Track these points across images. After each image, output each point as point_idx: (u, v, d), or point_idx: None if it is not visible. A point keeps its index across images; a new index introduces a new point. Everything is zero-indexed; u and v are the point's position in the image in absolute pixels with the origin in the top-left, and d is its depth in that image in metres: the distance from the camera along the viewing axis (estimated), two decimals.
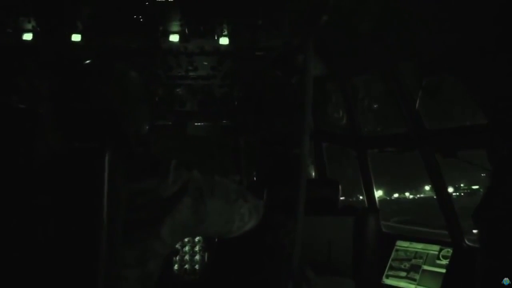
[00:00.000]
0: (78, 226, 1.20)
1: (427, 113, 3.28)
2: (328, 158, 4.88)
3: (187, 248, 3.92)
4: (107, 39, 3.60)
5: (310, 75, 1.50)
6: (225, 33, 3.53)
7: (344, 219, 3.51)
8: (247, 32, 3.52)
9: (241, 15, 3.32)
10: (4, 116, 1.58)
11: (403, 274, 3.39)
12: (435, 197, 3.38)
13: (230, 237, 1.60)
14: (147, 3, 3.17)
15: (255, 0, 3.12)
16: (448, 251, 3.20)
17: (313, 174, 4.97)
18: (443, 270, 3.14)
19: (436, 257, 3.25)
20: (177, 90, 4.74)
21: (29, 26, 3.37)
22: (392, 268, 3.50)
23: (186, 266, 3.88)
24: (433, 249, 3.31)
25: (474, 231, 2.62)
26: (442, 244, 3.28)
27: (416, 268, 3.33)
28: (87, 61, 1.46)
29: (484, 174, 2.39)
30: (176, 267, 3.87)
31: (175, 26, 3.47)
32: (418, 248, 3.42)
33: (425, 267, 3.28)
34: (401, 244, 3.57)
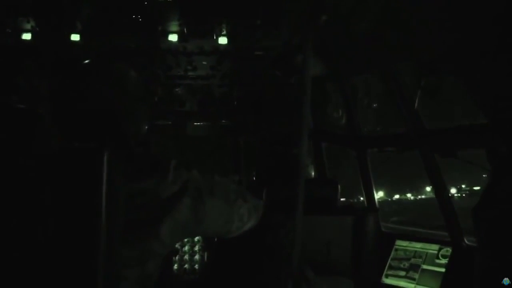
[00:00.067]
0: (77, 226, 1.20)
1: (427, 113, 3.28)
2: (328, 158, 4.88)
3: (186, 248, 3.92)
4: (106, 39, 3.60)
5: (309, 74, 1.50)
6: (224, 32, 3.52)
7: (344, 219, 3.51)
8: (246, 32, 3.52)
9: (240, 15, 3.32)
10: (3, 116, 1.58)
11: (403, 273, 3.39)
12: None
13: (229, 237, 1.60)
14: (146, 3, 3.16)
15: (254, 0, 3.12)
16: (447, 250, 3.20)
17: (313, 174, 4.97)
18: (443, 270, 3.14)
19: (435, 256, 3.25)
20: (176, 90, 4.74)
21: (28, 26, 3.37)
22: (391, 267, 3.50)
23: (186, 265, 3.88)
24: (433, 248, 3.31)
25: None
26: (442, 243, 3.28)
27: (415, 268, 3.33)
28: (86, 61, 1.46)
29: (486, 175, 2.39)
30: (175, 266, 3.87)
31: (174, 26, 3.47)
32: (418, 248, 3.42)
33: (425, 267, 3.28)
34: (401, 243, 3.57)
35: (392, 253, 3.56)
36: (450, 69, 2.87)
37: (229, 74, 4.39)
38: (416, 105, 3.21)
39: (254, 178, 5.13)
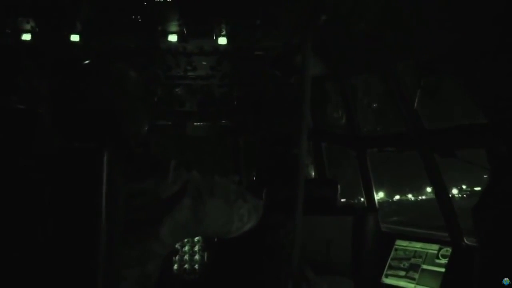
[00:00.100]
0: (77, 226, 1.20)
1: (426, 113, 3.28)
2: (328, 158, 4.88)
3: (186, 248, 3.92)
4: (105, 40, 3.60)
5: (309, 75, 1.50)
6: (224, 33, 3.53)
7: (343, 219, 3.51)
8: (245, 32, 3.52)
9: (239, 15, 3.32)
10: (3, 116, 1.58)
11: (403, 273, 3.39)
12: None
13: (229, 237, 1.60)
14: (145, 3, 3.16)
15: (254, 0, 3.12)
16: (447, 250, 3.20)
17: (313, 174, 4.98)
18: (443, 269, 3.14)
19: (435, 256, 3.25)
20: (176, 90, 4.74)
21: (28, 27, 3.37)
22: (391, 267, 3.50)
23: (186, 265, 3.88)
24: (433, 248, 3.31)
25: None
26: (442, 243, 3.28)
27: (415, 267, 3.33)
28: (86, 61, 1.46)
29: (486, 176, 2.38)
30: (175, 266, 3.87)
31: (174, 26, 3.47)
32: (417, 247, 3.42)
33: (425, 266, 3.28)
34: (400, 243, 3.57)
35: (392, 253, 3.56)
36: (449, 69, 2.87)
37: (229, 74, 4.39)
38: (415, 105, 3.21)
39: (254, 178, 5.13)
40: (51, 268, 1.19)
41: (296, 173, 1.48)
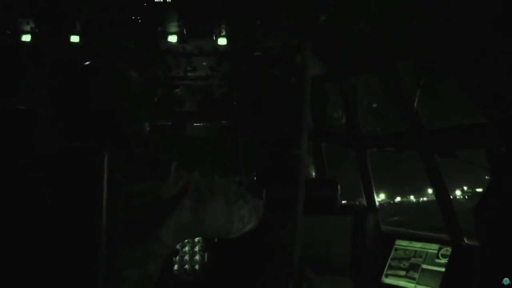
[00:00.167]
0: (77, 227, 1.20)
1: (426, 113, 3.28)
2: (329, 159, 4.88)
3: (186, 248, 3.92)
4: (105, 40, 3.60)
5: (308, 74, 1.50)
6: (223, 33, 3.53)
7: (343, 219, 3.51)
8: (245, 33, 3.52)
9: (239, 15, 3.32)
10: (3, 117, 1.58)
11: (403, 273, 3.39)
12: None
13: (230, 238, 1.60)
14: (145, 4, 3.17)
15: (253, 0, 3.12)
16: (447, 250, 3.20)
17: (314, 174, 4.98)
18: (443, 269, 3.14)
19: (435, 256, 3.25)
20: (176, 90, 4.74)
21: (28, 28, 3.37)
22: (391, 267, 3.50)
23: (186, 266, 3.88)
24: (432, 248, 3.31)
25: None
26: (442, 243, 3.28)
27: (415, 267, 3.33)
28: (87, 62, 1.46)
29: (488, 177, 2.38)
30: (176, 267, 3.87)
31: (174, 27, 3.47)
32: (417, 247, 3.42)
33: (425, 266, 3.28)
34: (400, 243, 3.57)
35: (392, 252, 3.56)
36: (449, 69, 2.87)
37: (229, 74, 4.39)
38: (415, 105, 3.21)
39: (254, 178, 5.14)
40: (52, 268, 1.19)
41: (296, 173, 1.48)
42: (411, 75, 3.27)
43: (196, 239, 3.95)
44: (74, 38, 3.46)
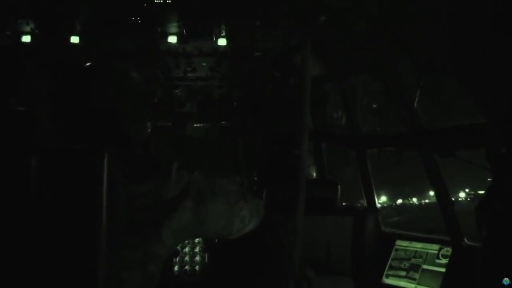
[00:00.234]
0: (77, 228, 1.20)
1: (426, 113, 3.29)
2: (328, 160, 4.88)
3: (187, 249, 3.92)
4: (105, 41, 3.60)
5: (308, 75, 1.50)
6: (223, 34, 3.53)
7: (344, 219, 3.51)
8: (245, 33, 3.52)
9: (239, 16, 3.32)
10: (3, 118, 1.58)
11: (403, 273, 3.39)
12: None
13: (230, 238, 1.60)
14: (145, 5, 3.17)
15: (253, 1, 3.12)
16: (447, 250, 3.20)
17: (314, 174, 4.97)
18: (443, 269, 3.14)
19: (435, 256, 3.25)
20: (176, 91, 4.74)
21: (28, 28, 3.37)
22: (392, 267, 3.50)
23: (186, 267, 3.88)
24: (433, 248, 3.31)
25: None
26: (442, 243, 3.28)
27: (416, 268, 3.33)
28: (87, 63, 1.46)
29: (490, 178, 2.38)
30: (176, 268, 3.87)
31: (173, 28, 3.47)
32: (418, 248, 3.42)
33: (425, 267, 3.28)
34: (401, 243, 3.57)
35: (393, 253, 3.56)
36: (449, 69, 2.87)
37: (229, 75, 4.39)
38: (415, 105, 3.21)
39: (255, 179, 5.14)
40: (52, 268, 1.19)
41: (297, 174, 1.48)
42: (411, 75, 3.27)
43: (197, 240, 3.95)
44: (74, 39, 3.46)
